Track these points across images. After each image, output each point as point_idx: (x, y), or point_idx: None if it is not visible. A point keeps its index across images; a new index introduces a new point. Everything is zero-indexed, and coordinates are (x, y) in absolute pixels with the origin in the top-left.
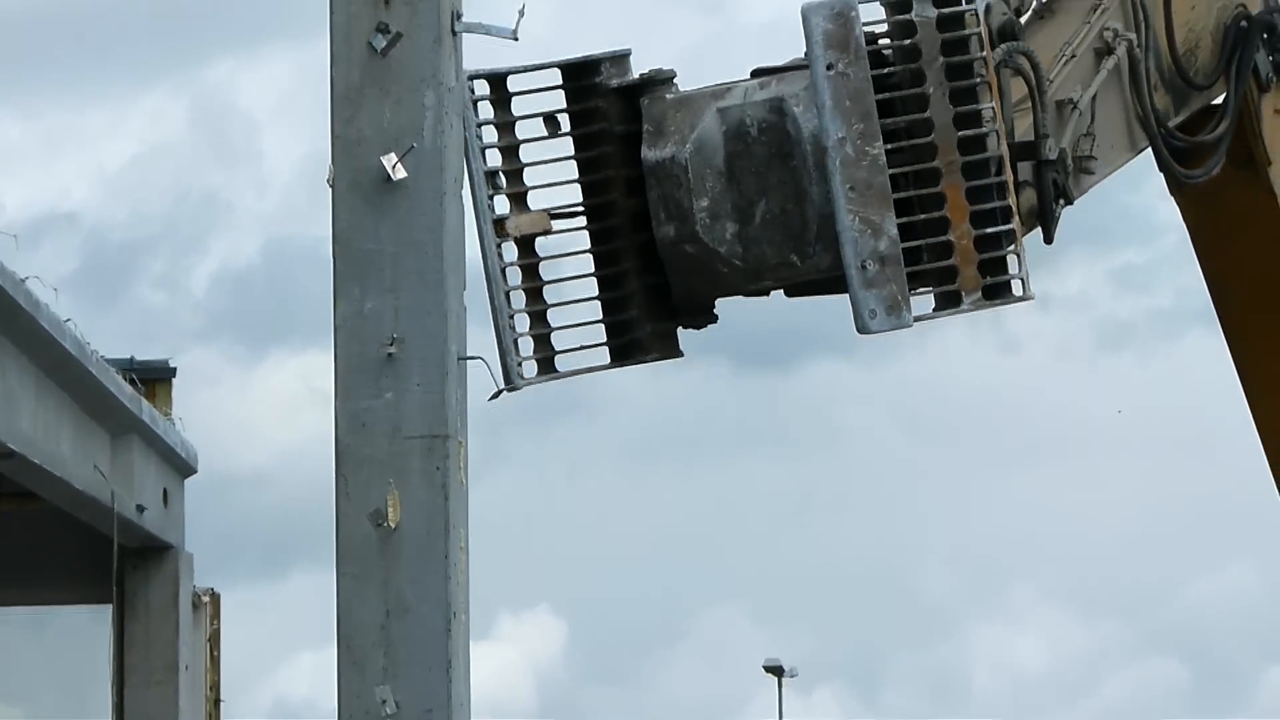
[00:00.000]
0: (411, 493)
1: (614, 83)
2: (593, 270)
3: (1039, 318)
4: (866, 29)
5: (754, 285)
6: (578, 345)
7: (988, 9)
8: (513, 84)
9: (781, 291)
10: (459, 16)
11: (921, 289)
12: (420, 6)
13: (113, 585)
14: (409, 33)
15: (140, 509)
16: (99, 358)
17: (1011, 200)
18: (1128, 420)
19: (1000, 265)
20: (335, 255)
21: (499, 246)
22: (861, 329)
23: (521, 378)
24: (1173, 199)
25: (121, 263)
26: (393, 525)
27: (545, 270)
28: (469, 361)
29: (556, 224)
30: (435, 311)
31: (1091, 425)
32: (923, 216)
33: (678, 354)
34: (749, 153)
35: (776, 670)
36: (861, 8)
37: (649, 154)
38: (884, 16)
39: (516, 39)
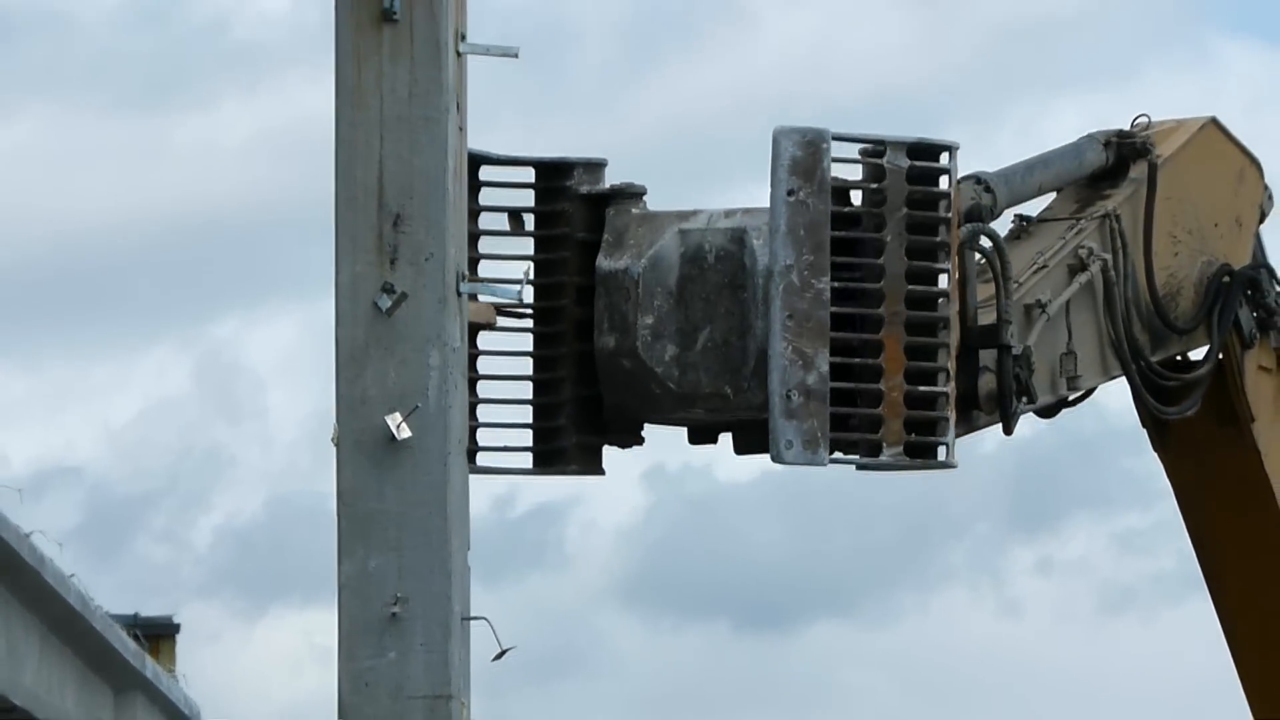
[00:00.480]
0: None
1: (584, 189)
2: (530, 373)
3: (1041, 582)
4: (836, 166)
5: (683, 412)
6: (501, 445)
7: (957, 187)
8: (484, 173)
9: (732, 450)
10: (464, 277)
11: (844, 433)
12: (426, 267)
13: None
14: (414, 293)
15: None
16: (103, 613)
17: (950, 364)
18: (1128, 684)
19: (929, 428)
20: (340, 513)
21: None
22: (775, 458)
23: None
24: (1158, 457)
25: (125, 517)
26: None
27: (482, 364)
28: (472, 621)
29: (502, 320)
30: (439, 571)
31: (1093, 689)
32: (857, 361)
33: (599, 472)
34: (702, 278)
35: None
36: (835, 146)
37: (604, 262)
38: (857, 156)
39: (520, 301)
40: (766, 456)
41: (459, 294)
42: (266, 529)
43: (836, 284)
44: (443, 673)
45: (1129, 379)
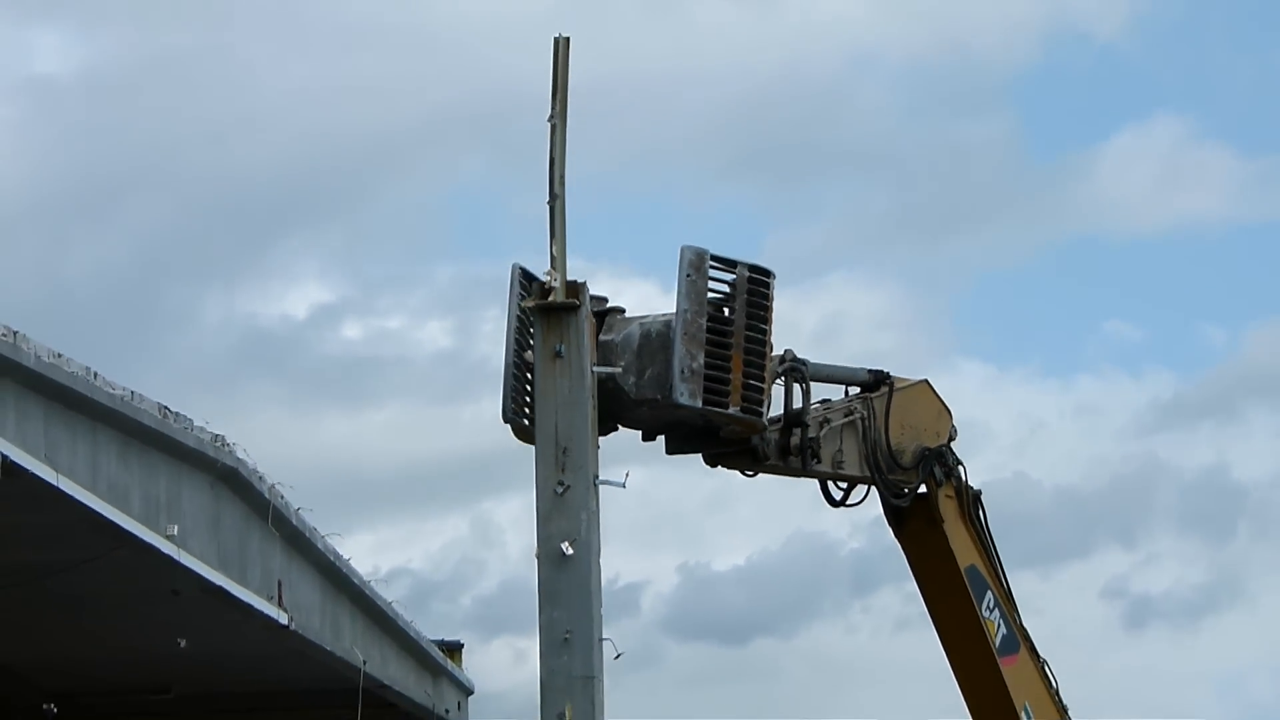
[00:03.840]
0: None
1: (594, 308)
2: None
3: (865, 616)
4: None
5: (638, 410)
6: None
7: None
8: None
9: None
10: (597, 476)
11: (710, 395)
12: (579, 472)
13: None
14: (573, 484)
15: (447, 711)
16: (426, 638)
17: (768, 381)
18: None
19: (755, 405)
20: (539, 589)
21: (518, 353)
22: (675, 398)
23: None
24: (899, 544)
25: (434, 592)
26: None
27: None
28: (604, 641)
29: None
30: (587, 618)
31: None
32: (720, 363)
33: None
34: (649, 345)
35: None
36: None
37: (603, 337)
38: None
39: (624, 487)
40: (694, 458)
41: (595, 484)
42: (501, 597)
43: (709, 324)
44: (589, 664)
45: (874, 478)
